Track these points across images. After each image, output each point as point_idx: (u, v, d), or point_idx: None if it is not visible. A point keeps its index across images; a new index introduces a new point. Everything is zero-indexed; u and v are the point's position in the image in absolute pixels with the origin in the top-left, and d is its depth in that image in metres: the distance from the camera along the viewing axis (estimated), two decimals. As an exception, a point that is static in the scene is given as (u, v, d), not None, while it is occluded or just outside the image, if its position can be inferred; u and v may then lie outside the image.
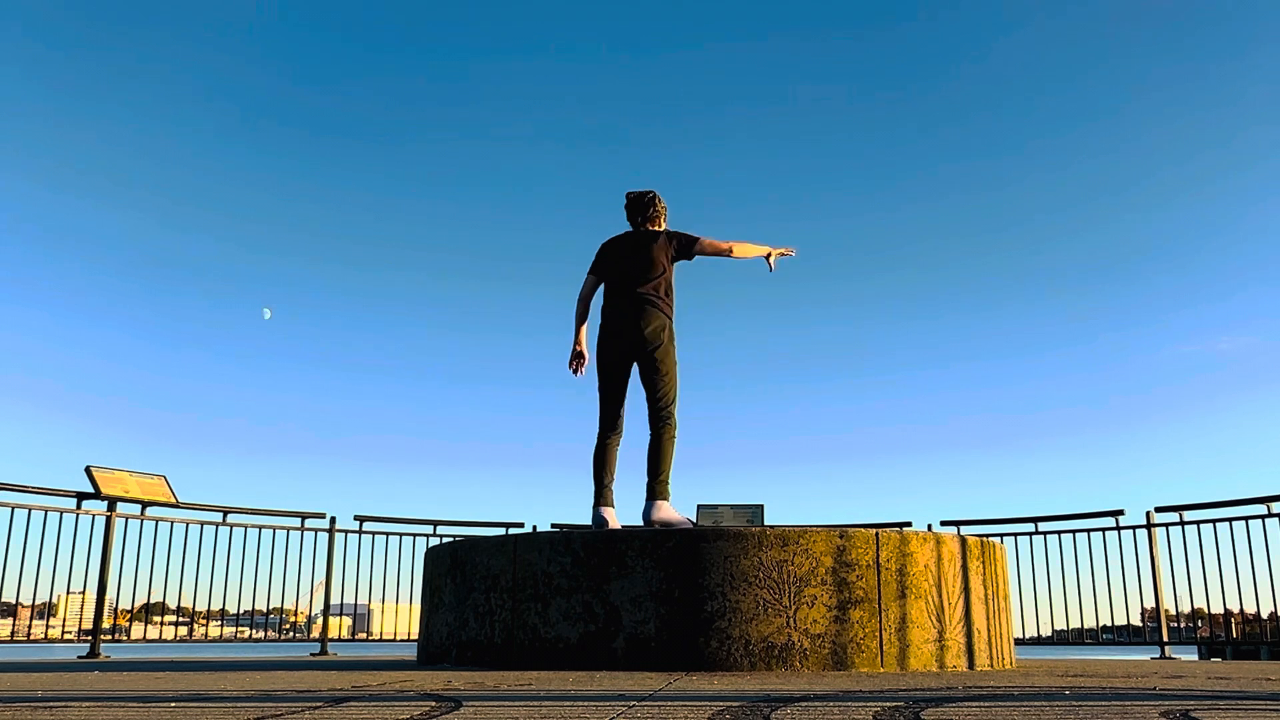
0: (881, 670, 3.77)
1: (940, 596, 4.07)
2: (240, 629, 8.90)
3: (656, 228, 4.86)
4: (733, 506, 5.82)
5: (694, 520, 4.47)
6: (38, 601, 7.33)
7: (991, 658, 4.31)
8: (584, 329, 4.89)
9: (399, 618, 9.02)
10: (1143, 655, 7.81)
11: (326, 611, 8.62)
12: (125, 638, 8.16)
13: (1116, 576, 7.84)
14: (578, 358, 4.88)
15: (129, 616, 8.20)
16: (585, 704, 2.16)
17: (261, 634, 8.81)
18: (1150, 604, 7.72)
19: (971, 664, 4.14)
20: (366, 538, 8.63)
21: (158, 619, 8.53)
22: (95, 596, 7.15)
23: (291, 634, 9.41)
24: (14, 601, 7.62)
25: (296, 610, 9.42)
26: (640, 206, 4.87)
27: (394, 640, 9.11)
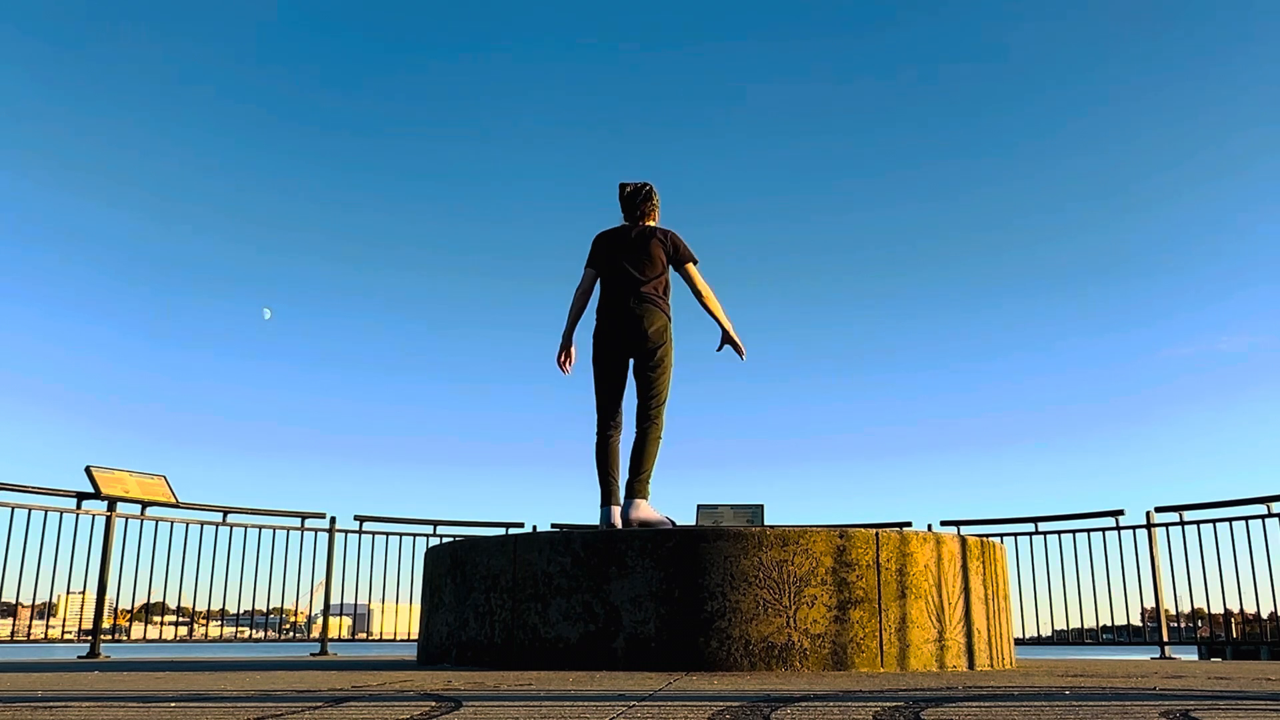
0: (881, 670, 3.77)
1: (940, 596, 4.07)
2: (240, 629, 8.90)
3: (651, 221, 4.84)
4: (733, 506, 5.82)
5: (673, 519, 4.45)
6: (38, 601, 7.34)
7: (991, 658, 4.31)
8: (577, 325, 4.81)
9: (399, 618, 9.02)
10: (1143, 655, 7.81)
11: (326, 611, 8.62)
12: (125, 638, 8.16)
13: (1116, 576, 7.85)
14: (566, 354, 4.79)
15: (129, 616, 8.20)
16: (585, 704, 2.16)
17: (261, 634, 8.81)
18: (1150, 604, 7.72)
19: (971, 664, 4.14)
20: (366, 538, 8.64)
21: (158, 619, 8.53)
22: (95, 596, 7.15)
23: (291, 634, 9.41)
24: (14, 601, 7.62)
25: (296, 610, 9.42)
26: (636, 199, 4.81)
27: (394, 640, 9.11)
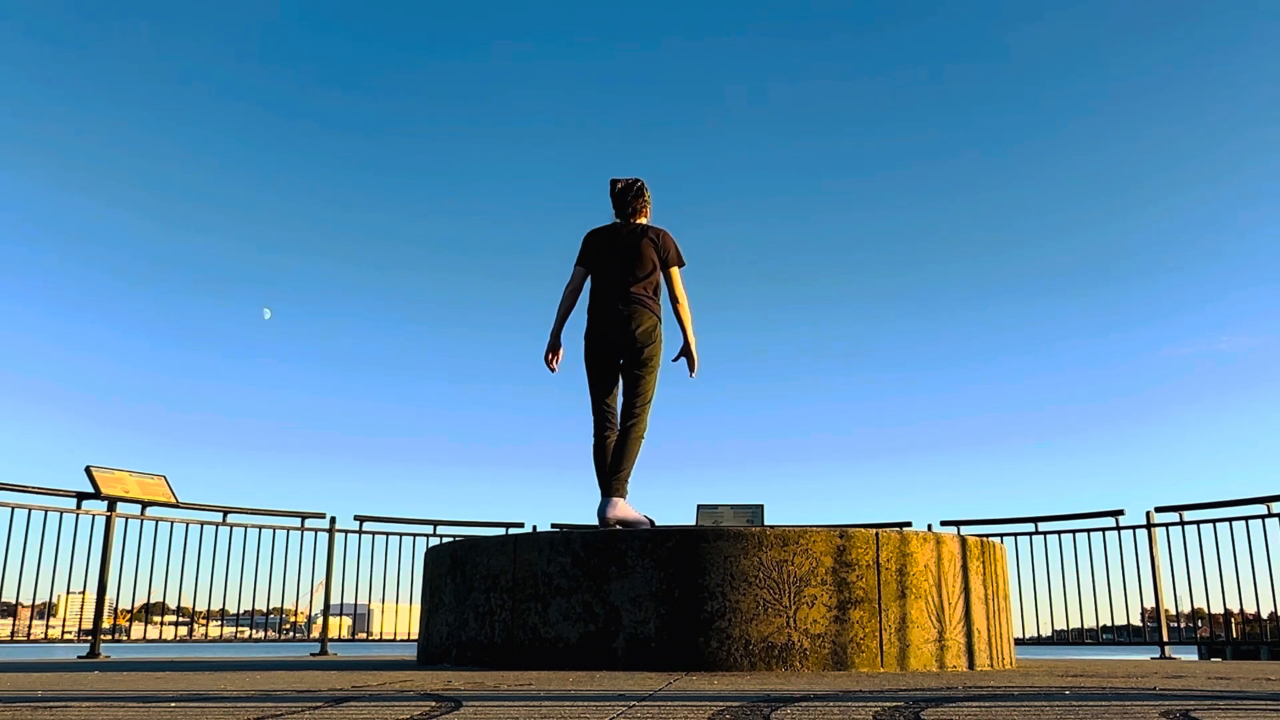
0: (881, 670, 3.77)
1: (940, 596, 4.07)
2: (240, 629, 8.90)
3: (643, 218, 4.82)
4: (733, 506, 5.82)
5: (652, 518, 4.44)
6: (38, 601, 7.34)
7: (991, 658, 4.31)
8: (565, 324, 4.79)
9: (399, 618, 9.02)
10: (1143, 655, 7.81)
11: (326, 611, 8.62)
12: (125, 638, 8.16)
13: (1116, 576, 7.85)
14: (554, 352, 4.77)
15: (129, 616, 8.20)
16: (585, 704, 2.16)
17: (261, 634, 8.81)
18: (1150, 604, 7.72)
19: (971, 664, 4.14)
20: (366, 538, 8.64)
21: (158, 619, 8.53)
22: (95, 596, 7.16)
23: (291, 634, 9.41)
24: (14, 601, 7.62)
25: (296, 610, 9.42)
26: (628, 195, 4.78)
27: (394, 640, 9.11)
